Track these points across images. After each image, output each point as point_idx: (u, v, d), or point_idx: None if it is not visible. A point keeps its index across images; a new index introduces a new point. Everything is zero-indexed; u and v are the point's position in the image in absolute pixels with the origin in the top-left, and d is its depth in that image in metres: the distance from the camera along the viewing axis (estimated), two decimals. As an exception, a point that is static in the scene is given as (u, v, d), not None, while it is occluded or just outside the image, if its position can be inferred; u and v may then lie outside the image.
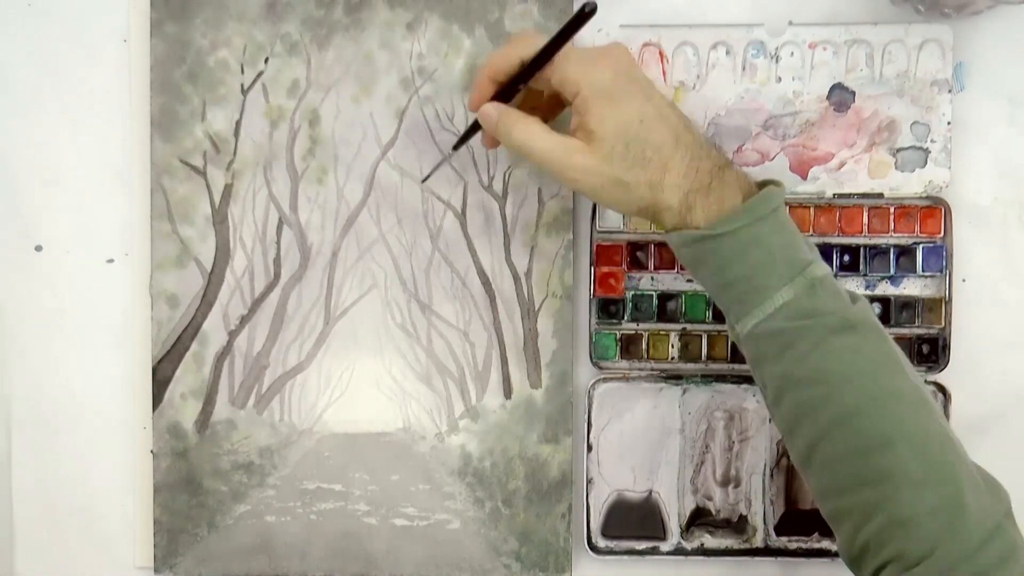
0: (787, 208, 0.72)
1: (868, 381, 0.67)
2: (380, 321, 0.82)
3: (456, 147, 0.78)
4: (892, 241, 0.82)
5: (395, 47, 0.81)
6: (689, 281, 0.82)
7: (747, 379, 0.82)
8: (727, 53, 0.81)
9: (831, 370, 0.67)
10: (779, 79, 0.81)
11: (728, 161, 0.72)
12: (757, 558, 0.83)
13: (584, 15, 0.68)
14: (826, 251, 0.81)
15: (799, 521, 0.83)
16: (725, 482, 0.83)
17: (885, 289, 0.82)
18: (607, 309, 0.82)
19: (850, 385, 0.67)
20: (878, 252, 0.82)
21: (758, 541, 0.83)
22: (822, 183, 0.81)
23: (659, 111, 0.70)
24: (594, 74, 0.69)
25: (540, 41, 0.71)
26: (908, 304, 0.81)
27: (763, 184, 0.71)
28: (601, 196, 0.71)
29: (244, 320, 0.82)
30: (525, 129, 0.71)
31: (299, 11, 0.81)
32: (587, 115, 0.69)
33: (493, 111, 0.72)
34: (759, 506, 0.83)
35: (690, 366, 0.82)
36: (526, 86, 0.73)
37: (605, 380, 0.82)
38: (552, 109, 0.75)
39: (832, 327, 0.67)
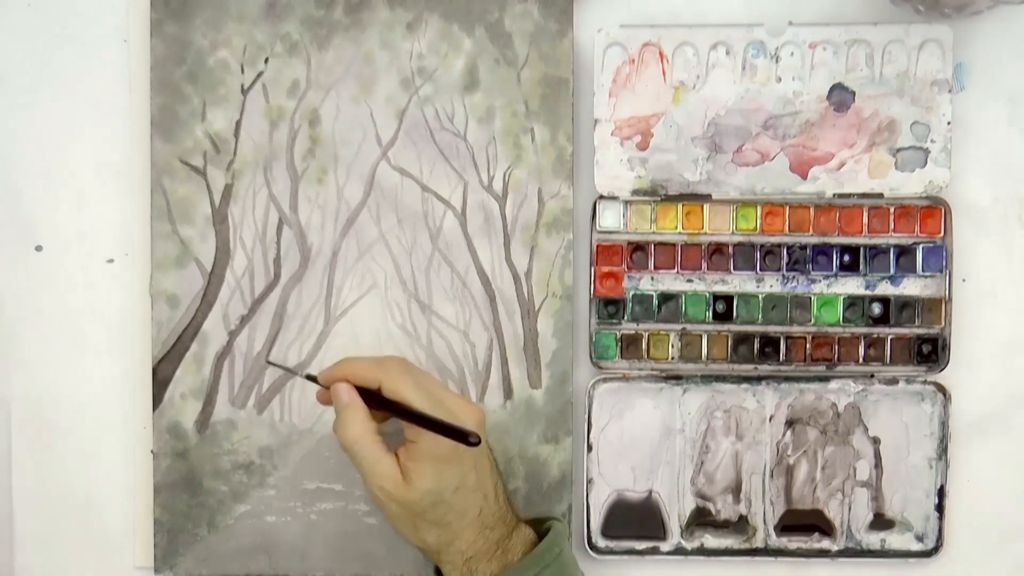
0: (570, 542, 0.77)
1: None
2: (380, 321, 0.82)
3: (269, 361, 0.80)
4: (892, 241, 0.82)
5: (395, 47, 0.81)
6: (689, 281, 0.82)
7: (747, 379, 0.82)
8: (727, 53, 0.81)
9: None
10: (779, 79, 0.81)
11: (518, 523, 0.75)
12: (757, 558, 0.83)
13: (467, 441, 0.69)
14: (826, 251, 0.81)
15: (799, 521, 0.83)
16: (725, 482, 0.83)
17: (885, 289, 0.82)
18: (607, 309, 0.82)
19: None
20: (878, 252, 0.82)
21: (758, 541, 0.83)
22: (822, 183, 0.81)
23: (478, 481, 0.73)
24: (433, 438, 0.70)
25: (403, 384, 0.71)
26: (908, 304, 0.82)
27: (546, 525, 0.75)
28: (392, 521, 0.74)
29: (244, 320, 0.82)
30: (360, 433, 0.72)
31: (299, 11, 0.81)
32: (412, 462, 0.71)
33: (344, 395, 0.73)
34: (759, 506, 0.83)
35: (690, 366, 0.82)
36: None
37: (605, 380, 0.82)
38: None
39: None
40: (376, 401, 0.73)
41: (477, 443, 0.69)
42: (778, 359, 0.82)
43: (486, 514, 0.73)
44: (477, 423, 0.73)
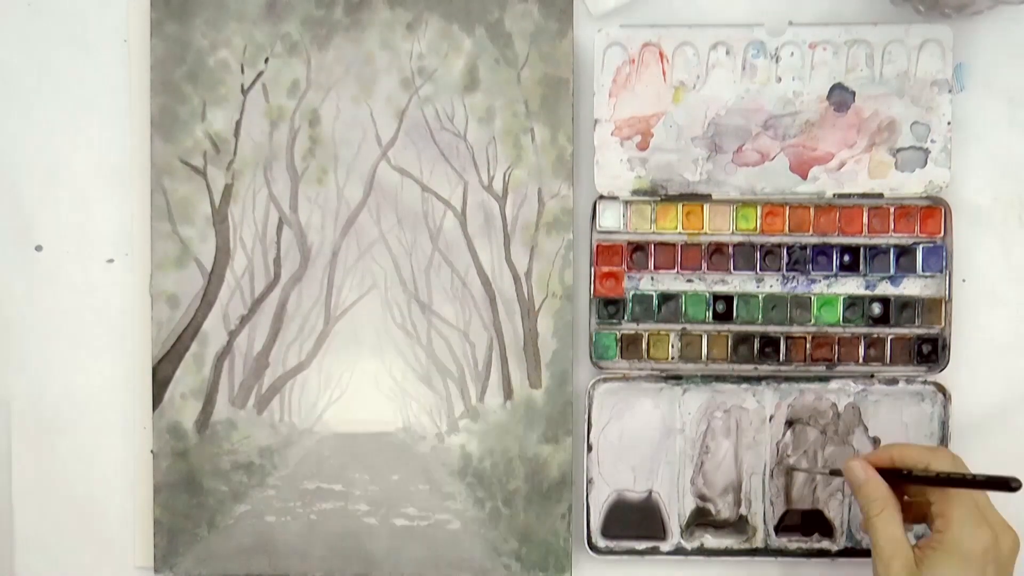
0: None
1: None
2: (380, 321, 0.82)
3: (792, 467, 0.81)
4: (892, 241, 0.82)
5: (395, 47, 0.81)
6: (689, 281, 0.82)
7: (747, 379, 0.82)
8: (727, 53, 0.81)
9: None
10: (779, 79, 0.81)
11: None
12: (757, 558, 0.83)
13: (1009, 487, 0.68)
14: (826, 251, 0.81)
15: (799, 521, 0.83)
16: (725, 482, 0.83)
17: (885, 289, 0.82)
18: (607, 309, 0.82)
19: None
20: (878, 252, 0.82)
21: (758, 541, 0.83)
22: (822, 183, 0.81)
23: None
24: (968, 532, 0.69)
25: (943, 460, 0.71)
26: (908, 304, 0.82)
27: None
28: None
29: (244, 320, 0.82)
30: (883, 510, 0.71)
31: (299, 11, 0.81)
32: (931, 551, 0.70)
33: (860, 472, 0.73)
34: (759, 506, 0.83)
35: (690, 366, 0.82)
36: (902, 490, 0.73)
37: (605, 380, 0.82)
38: (911, 509, 0.74)
39: None
40: (900, 477, 0.72)
41: (1018, 487, 0.67)
42: (778, 359, 0.82)
43: None
44: (1015, 544, 0.71)
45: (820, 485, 0.83)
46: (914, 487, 0.73)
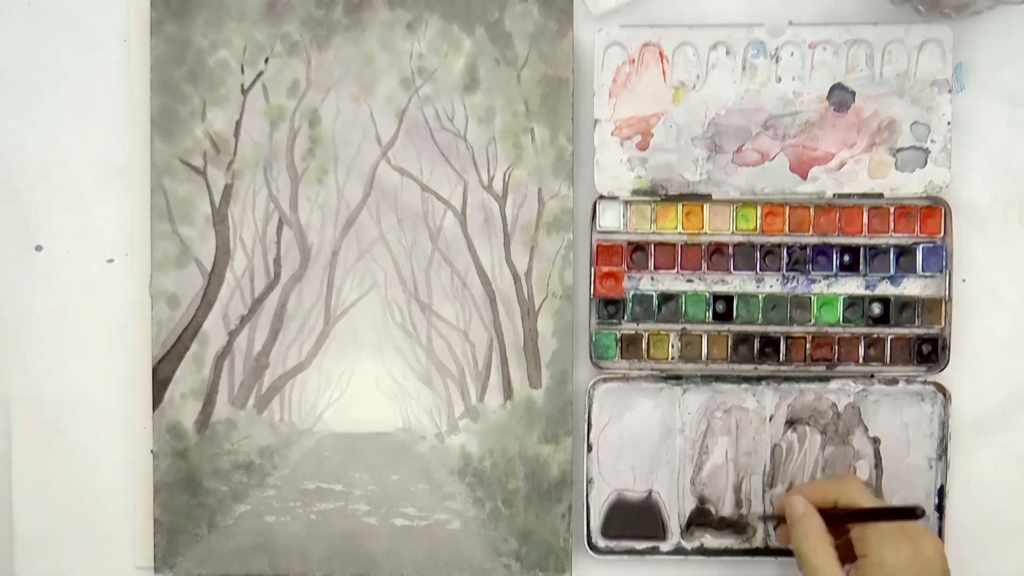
0: None
1: None
2: (380, 321, 0.82)
3: (764, 519, 0.82)
4: (892, 241, 0.82)
5: (395, 47, 0.81)
6: (689, 281, 0.82)
7: (747, 379, 0.82)
8: (727, 53, 0.81)
9: None
10: (779, 79, 0.81)
11: None
12: (757, 558, 0.83)
13: (913, 515, 0.70)
14: (826, 251, 0.81)
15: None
16: (725, 482, 0.83)
17: (885, 289, 0.82)
18: (607, 309, 0.82)
19: None
20: (878, 252, 0.82)
21: (758, 541, 0.83)
22: (822, 183, 0.81)
23: None
24: (889, 550, 0.71)
25: (862, 496, 0.73)
26: (908, 304, 0.82)
27: None
28: None
29: (244, 320, 0.82)
30: (814, 543, 0.73)
31: (299, 11, 0.81)
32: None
33: (800, 506, 0.74)
34: (759, 506, 0.83)
35: (690, 366, 0.82)
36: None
37: (605, 380, 0.82)
38: (847, 543, 0.74)
39: None
40: (826, 517, 0.74)
41: (922, 515, 0.70)
42: (778, 359, 0.82)
43: None
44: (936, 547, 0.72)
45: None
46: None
